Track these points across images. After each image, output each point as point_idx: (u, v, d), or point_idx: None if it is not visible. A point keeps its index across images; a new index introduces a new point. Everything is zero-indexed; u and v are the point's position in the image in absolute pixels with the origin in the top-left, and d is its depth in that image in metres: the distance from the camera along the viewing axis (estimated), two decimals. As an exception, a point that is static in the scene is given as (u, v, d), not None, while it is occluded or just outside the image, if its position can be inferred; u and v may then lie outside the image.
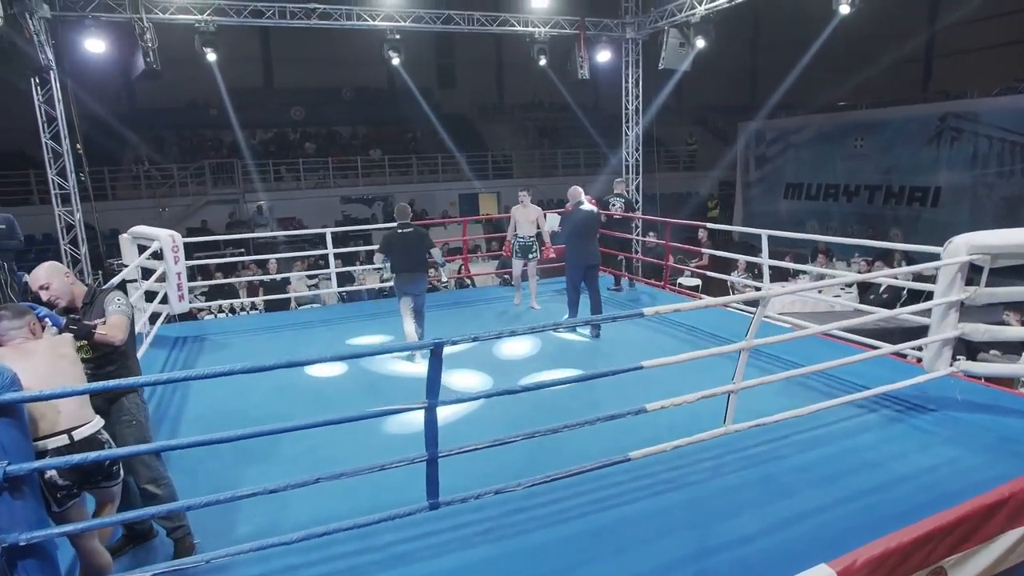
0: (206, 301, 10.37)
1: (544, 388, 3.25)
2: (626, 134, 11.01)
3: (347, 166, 21.02)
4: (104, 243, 16.23)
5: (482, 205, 22.41)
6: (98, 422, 2.80)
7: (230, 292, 10.40)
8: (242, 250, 14.65)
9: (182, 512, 3.28)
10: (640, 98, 10.70)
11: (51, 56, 7.53)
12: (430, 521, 3.11)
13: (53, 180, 8.03)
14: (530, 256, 7.54)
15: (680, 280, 10.44)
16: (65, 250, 8.42)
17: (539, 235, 7.55)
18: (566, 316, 6.98)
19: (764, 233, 6.21)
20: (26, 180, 16.40)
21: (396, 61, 10.22)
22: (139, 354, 6.14)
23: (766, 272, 6.35)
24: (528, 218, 7.54)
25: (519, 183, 22.26)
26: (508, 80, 26.31)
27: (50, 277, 3.15)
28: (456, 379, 5.64)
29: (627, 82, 10.69)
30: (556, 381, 3.45)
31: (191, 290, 7.69)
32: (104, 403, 3.13)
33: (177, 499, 3.31)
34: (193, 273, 10.22)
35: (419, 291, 6.15)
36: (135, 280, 7.23)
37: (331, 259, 8.16)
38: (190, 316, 9.27)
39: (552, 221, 7.80)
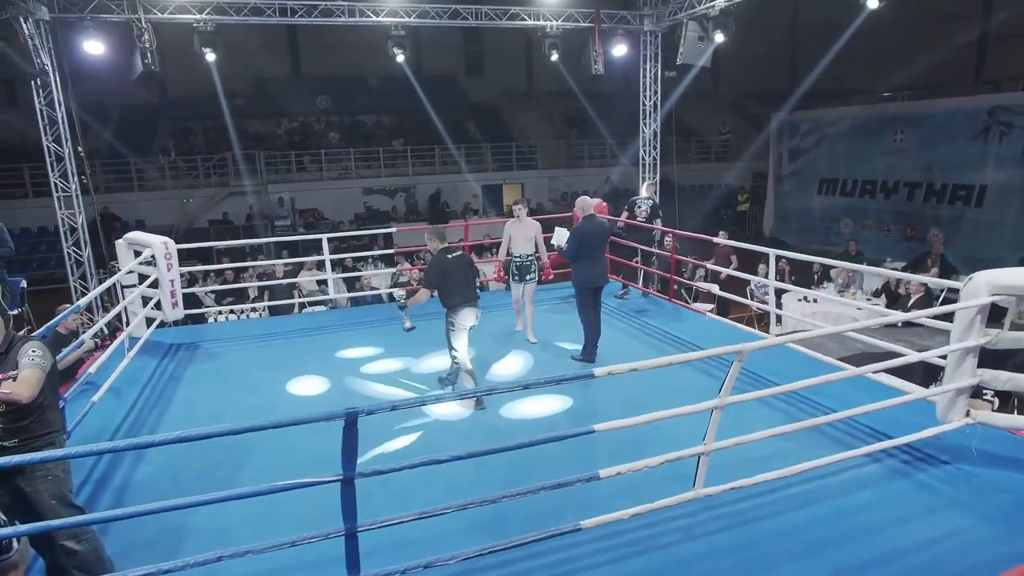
0: (215, 305, 10.34)
1: (479, 455, 2.88)
2: (643, 131, 10.50)
3: (370, 156, 20.88)
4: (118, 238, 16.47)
5: (506, 196, 22.06)
6: None
7: (238, 294, 10.34)
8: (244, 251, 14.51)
9: (106, 569, 3.13)
10: (659, 93, 10.16)
11: (48, 59, 7.47)
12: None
13: (56, 183, 8.02)
14: (528, 278, 6.61)
15: (697, 284, 9.96)
16: (68, 252, 8.44)
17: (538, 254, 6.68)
18: (582, 346, 6.20)
19: (772, 252, 5.75)
20: (19, 173, 16.54)
21: (401, 58, 9.93)
22: (128, 359, 6.21)
23: (772, 295, 5.89)
24: (525, 234, 6.61)
25: (544, 174, 21.89)
26: (537, 67, 25.73)
27: None
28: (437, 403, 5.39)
29: (645, 77, 10.16)
30: (490, 450, 2.93)
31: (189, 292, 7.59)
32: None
33: (101, 554, 3.15)
34: (195, 278, 10.32)
35: (477, 321, 5.32)
36: (132, 285, 7.19)
37: (327, 265, 7.96)
38: (200, 319, 9.25)
39: (560, 236, 6.63)
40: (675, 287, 7.66)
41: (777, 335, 6.27)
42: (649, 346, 6.58)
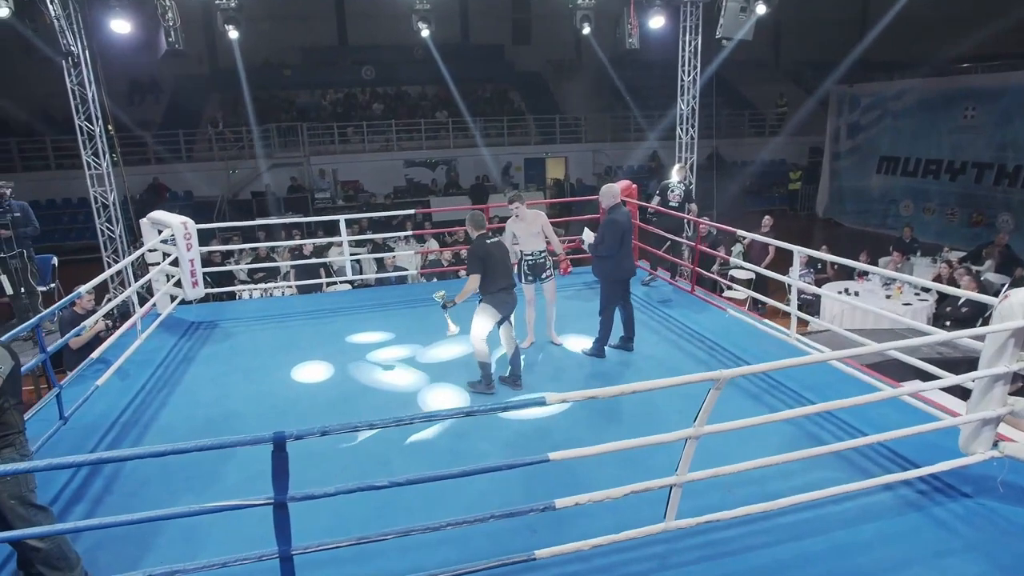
0: (250, 280, 10.50)
1: (418, 482, 2.67)
2: (680, 108, 9.92)
3: (412, 128, 20.75)
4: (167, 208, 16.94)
5: (550, 169, 21.66)
6: None
7: (271, 270, 10.45)
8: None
9: (71, 564, 3.15)
10: (699, 67, 9.54)
11: (75, 39, 7.54)
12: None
13: (88, 162, 8.18)
14: (544, 276, 5.92)
15: (732, 273, 9.49)
16: (101, 228, 8.66)
17: (551, 249, 6.00)
18: (591, 346, 5.91)
19: (797, 250, 5.32)
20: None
21: (426, 33, 9.63)
22: (142, 339, 6.33)
23: (794, 298, 5.47)
24: (531, 229, 5.82)
25: (589, 147, 21.32)
26: (585, 36, 24.89)
27: None
28: (434, 398, 5.28)
29: (684, 51, 9.54)
30: (430, 477, 2.70)
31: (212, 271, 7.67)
32: None
33: (64, 550, 3.16)
34: (230, 253, 10.45)
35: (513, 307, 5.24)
36: (157, 263, 7.32)
37: (344, 245, 7.90)
38: (231, 296, 9.41)
39: (586, 236, 6.05)
40: (697, 278, 7.24)
41: (798, 332, 5.85)
42: (668, 342, 6.28)
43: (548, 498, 2.86)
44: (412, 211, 8.48)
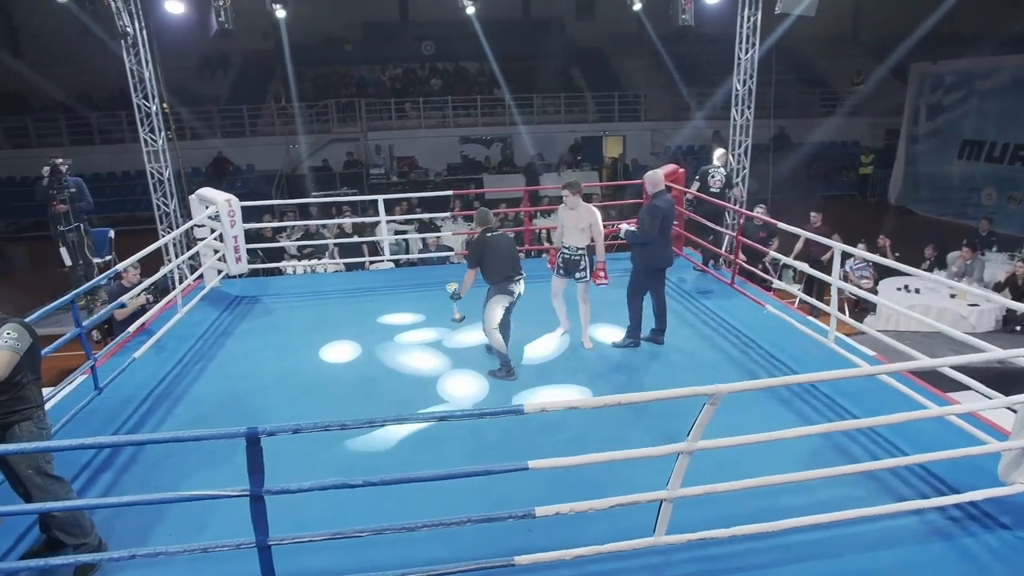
0: (299, 255, 10.77)
1: (392, 483, 2.61)
2: (736, 87, 9.39)
3: (469, 104, 20.65)
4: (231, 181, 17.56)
5: (607, 149, 21.18)
6: None
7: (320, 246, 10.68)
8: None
9: (85, 531, 3.31)
10: (757, 44, 8.97)
11: (131, 20, 7.80)
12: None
13: (145, 139, 8.52)
14: (577, 276, 5.59)
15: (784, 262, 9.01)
16: (157, 203, 9.04)
17: (592, 247, 5.55)
18: (622, 338, 5.84)
19: (838, 247, 4.96)
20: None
21: (471, 10, 9.44)
22: (187, 310, 6.58)
23: (834, 298, 5.11)
24: (577, 224, 5.48)
25: (648, 126, 20.69)
26: (652, 8, 24.00)
27: None
28: (453, 384, 5.27)
29: (742, 27, 8.98)
30: (404, 479, 2.71)
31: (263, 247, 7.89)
32: None
33: (79, 519, 3.32)
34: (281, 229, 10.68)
35: (519, 298, 5.36)
36: (204, 238, 7.58)
37: (383, 226, 7.95)
38: (276, 271, 9.67)
39: (624, 226, 5.82)
40: (740, 269, 6.91)
41: (846, 331, 5.49)
42: (701, 336, 6.04)
43: (549, 497, 2.79)
44: (450, 192, 8.37)
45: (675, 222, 5.98)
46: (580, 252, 5.54)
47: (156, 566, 3.20)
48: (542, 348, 5.86)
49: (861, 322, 8.58)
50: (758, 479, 2.88)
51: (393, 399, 5.03)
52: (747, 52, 8.98)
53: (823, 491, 3.64)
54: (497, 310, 5.23)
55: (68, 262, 6.97)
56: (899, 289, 7.82)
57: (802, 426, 4.37)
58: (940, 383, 4.86)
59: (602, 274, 5.51)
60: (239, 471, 3.13)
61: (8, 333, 3.08)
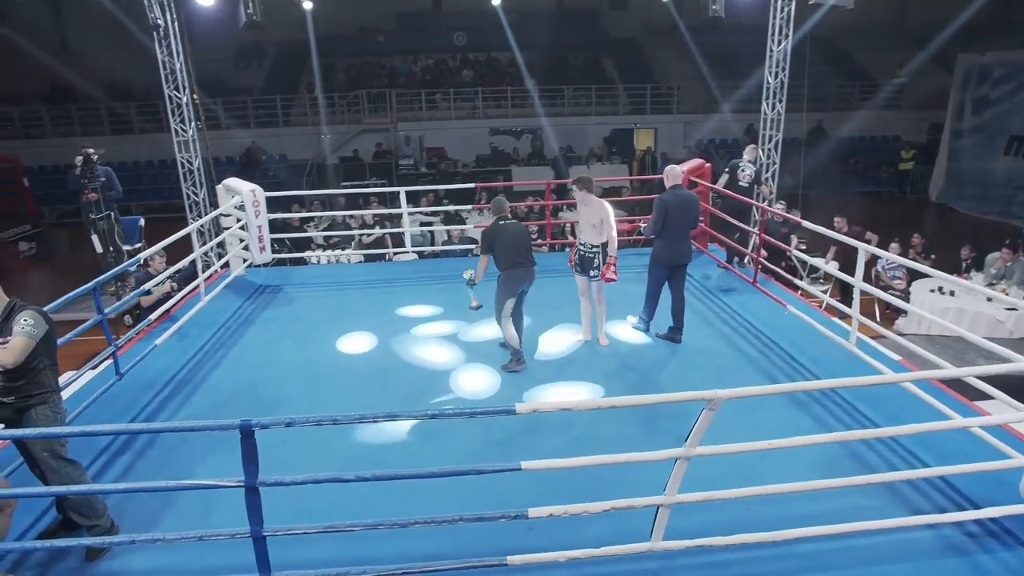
0: (325, 245, 10.90)
1: (385, 479, 2.61)
2: (767, 80, 9.12)
3: (500, 95, 20.58)
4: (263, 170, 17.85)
5: (638, 142, 20.92)
6: None
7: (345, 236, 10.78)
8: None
9: (98, 513, 3.39)
10: (790, 37, 8.68)
11: (162, 13, 7.94)
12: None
13: (176, 129, 8.71)
14: (591, 274, 5.48)
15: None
16: (187, 192, 9.23)
17: (606, 244, 5.40)
18: (638, 317, 5.97)
19: (862, 247, 4.79)
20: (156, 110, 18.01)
21: (497, 1, 9.34)
22: (209, 298, 6.71)
23: (856, 300, 4.94)
24: (590, 220, 5.38)
25: (680, 119, 20.36)
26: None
27: None
28: (466, 378, 5.27)
29: (775, 17, 8.69)
30: (396, 475, 2.75)
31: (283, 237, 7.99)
32: (13, 413, 3.24)
33: (91, 501, 3.41)
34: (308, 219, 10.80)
35: (529, 288, 5.39)
36: (230, 227, 7.71)
37: (405, 218, 7.98)
38: (300, 261, 9.80)
39: (644, 230, 5.87)
40: (759, 266, 6.74)
41: (874, 334, 5.31)
42: (720, 335, 5.92)
43: (553, 496, 2.76)
44: (473, 184, 8.37)
45: (697, 218, 5.82)
46: (595, 249, 5.43)
47: (164, 550, 3.28)
48: (558, 343, 5.82)
49: (893, 324, 8.35)
50: (760, 488, 2.81)
51: (405, 391, 5.05)
52: (779, 44, 8.70)
53: (836, 499, 3.54)
54: (504, 296, 5.25)
55: (99, 249, 7.18)
56: (932, 291, 7.54)
57: (819, 431, 4.31)
58: (967, 391, 4.67)
59: (611, 270, 5.36)
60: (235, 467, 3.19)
61: (25, 320, 3.17)
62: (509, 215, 5.44)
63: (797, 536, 2.90)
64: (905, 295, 8.09)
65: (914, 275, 8.56)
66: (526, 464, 2.51)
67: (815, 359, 5.26)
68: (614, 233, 5.35)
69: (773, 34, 8.72)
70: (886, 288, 8.50)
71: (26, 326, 3.16)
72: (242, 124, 19.29)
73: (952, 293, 7.70)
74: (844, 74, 21.05)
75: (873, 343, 5.29)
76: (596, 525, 3.15)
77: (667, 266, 5.67)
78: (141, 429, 2.59)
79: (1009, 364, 3.45)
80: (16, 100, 18.86)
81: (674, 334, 5.78)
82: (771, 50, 8.78)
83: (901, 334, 7.37)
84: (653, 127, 20.52)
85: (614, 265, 5.35)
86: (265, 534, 2.55)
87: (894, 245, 8.52)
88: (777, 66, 8.89)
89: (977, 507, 3.46)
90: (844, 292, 7.66)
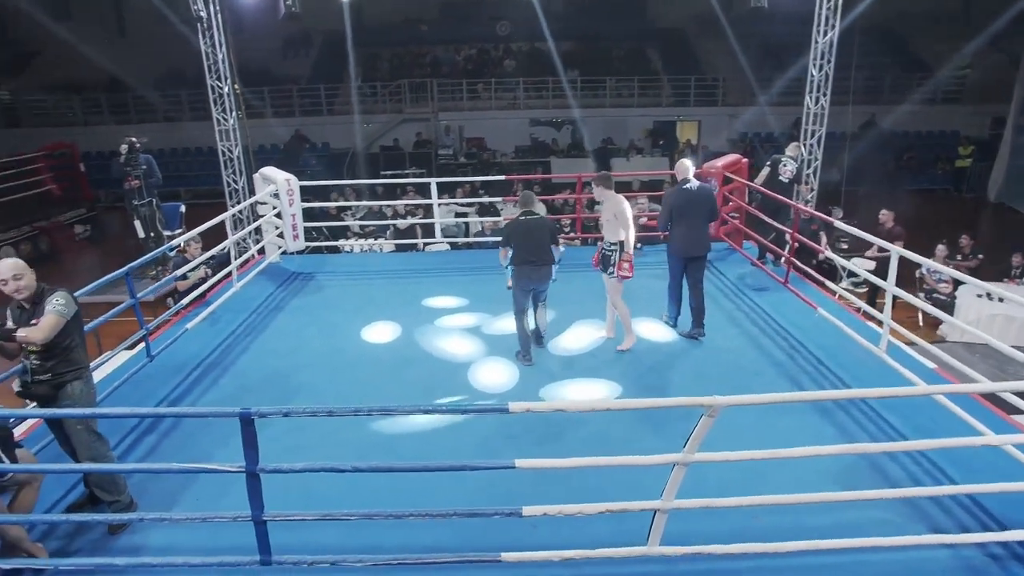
0: (360, 234, 11.06)
1: (381, 471, 2.62)
2: (812, 73, 8.76)
3: (541, 86, 20.44)
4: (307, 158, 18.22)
5: (681, 134, 20.52)
6: None
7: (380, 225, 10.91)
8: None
9: (120, 489, 3.55)
10: (836, 27, 8.29)
11: (205, 5, 8.15)
12: (261, 574, 2.90)
13: (217, 119, 8.95)
14: (609, 271, 5.33)
15: (855, 260, 8.47)
16: (227, 180, 9.49)
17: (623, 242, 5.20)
18: (664, 315, 5.99)
19: (895, 251, 4.59)
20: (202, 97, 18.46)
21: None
22: (242, 284, 6.90)
23: (888, 305, 4.74)
24: (605, 216, 5.29)
25: (725, 111, 19.86)
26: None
27: (23, 271, 3.39)
28: (484, 372, 5.28)
29: (821, 7, 8.31)
30: (390, 467, 2.82)
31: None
32: (51, 388, 3.41)
33: (115, 478, 3.56)
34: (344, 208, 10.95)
35: (545, 287, 5.39)
36: (264, 215, 7.90)
37: (434, 207, 8.04)
38: (334, 249, 9.96)
39: None
40: (791, 266, 6.54)
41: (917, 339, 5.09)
42: (747, 336, 5.78)
43: (559, 494, 2.74)
44: (503, 176, 8.35)
45: (713, 210, 5.81)
46: (612, 247, 5.28)
47: (179, 528, 3.39)
48: (580, 339, 5.80)
49: (936, 329, 8.00)
50: (760, 497, 2.74)
51: (423, 383, 5.09)
52: (825, 35, 8.36)
53: (851, 512, 3.43)
54: (517, 294, 5.29)
55: (141, 234, 7.46)
56: (980, 295, 7.18)
57: (841, 440, 4.18)
58: (1005, 403, 4.46)
59: (626, 266, 5.20)
60: (270, 442, 3.29)
61: (57, 300, 3.33)
62: (535, 210, 5.38)
63: (801, 549, 2.81)
64: (951, 299, 7.74)
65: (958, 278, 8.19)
66: (520, 462, 2.50)
67: (844, 365, 5.08)
68: (630, 230, 5.19)
69: (819, 24, 8.37)
70: (931, 291, 8.15)
71: (57, 305, 3.31)
72: (287, 113, 19.70)
73: (1001, 300, 7.33)
74: (901, 65, 20.16)
75: (908, 350, 5.09)
76: (601, 525, 3.12)
77: (681, 258, 5.73)
78: (147, 413, 2.69)
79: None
80: (77, 89, 19.66)
81: (695, 332, 5.69)
82: (816, 41, 8.45)
83: (943, 341, 7.07)
84: (697, 119, 20.08)
85: (628, 262, 5.18)
86: (265, 518, 2.62)
87: (941, 247, 8.15)
88: (822, 58, 8.55)
89: (1004, 528, 3.31)
90: (874, 294, 7.37)
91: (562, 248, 5.47)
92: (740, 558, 2.83)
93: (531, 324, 5.58)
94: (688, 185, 5.67)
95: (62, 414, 3.33)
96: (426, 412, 2.43)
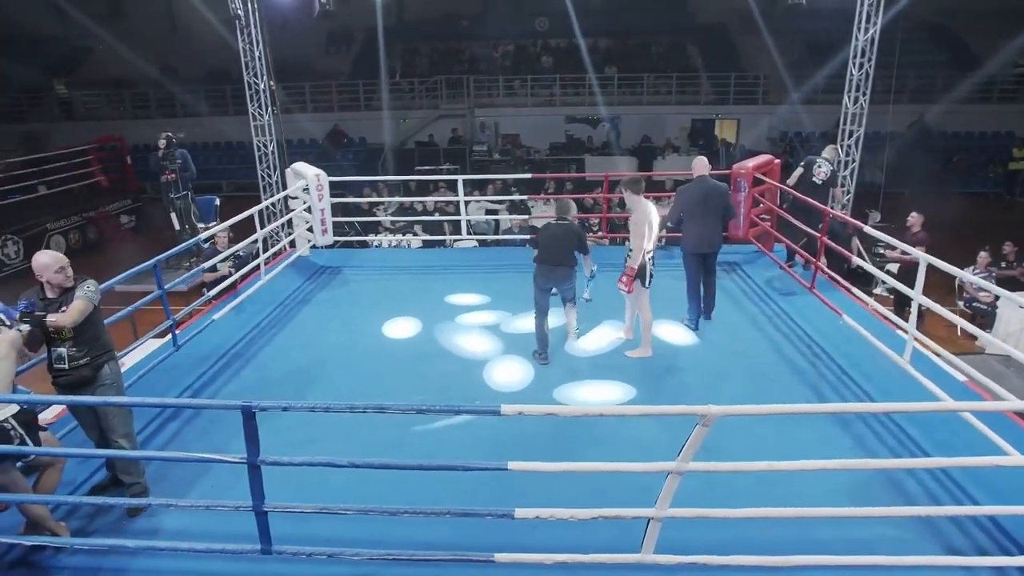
0: (391, 229, 11.18)
1: (374, 467, 2.66)
2: (851, 72, 8.46)
3: (578, 83, 20.32)
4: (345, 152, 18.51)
5: (720, 132, 20.14)
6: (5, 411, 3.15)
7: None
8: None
9: (140, 472, 3.68)
10: (878, 24, 7.98)
11: (243, 3, 8.35)
12: (262, 562, 2.96)
13: (253, 114, 9.18)
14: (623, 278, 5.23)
15: (888, 266, 8.21)
16: (261, 175, 9.73)
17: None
18: (685, 318, 5.96)
19: (923, 257, 4.42)
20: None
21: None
22: (270, 277, 7.05)
23: (914, 315, 4.57)
24: (632, 220, 5.25)
25: (765, 110, 19.40)
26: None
27: (64, 262, 3.55)
28: (500, 370, 5.30)
29: (863, 3, 8.00)
30: (384, 465, 2.83)
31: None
32: (91, 371, 3.57)
33: (137, 462, 3.70)
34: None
35: (566, 288, 5.43)
36: (296, 210, 8.07)
37: (461, 205, 8.06)
38: (364, 244, 10.11)
39: None
40: (818, 271, 6.37)
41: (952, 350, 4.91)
42: (769, 341, 5.65)
43: (560, 497, 2.73)
44: (529, 175, 8.34)
45: (728, 207, 5.88)
46: (631, 252, 5.22)
47: (191, 514, 3.49)
48: (599, 340, 5.77)
49: (976, 340, 7.68)
50: (756, 510, 2.69)
51: (438, 379, 5.14)
52: (866, 32, 8.07)
53: (864, 528, 3.34)
54: (536, 292, 5.38)
55: (176, 227, 7.71)
56: (1022, 306, 6.85)
57: (857, 452, 4.06)
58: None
59: (624, 279, 5.11)
60: (284, 433, 3.38)
61: (88, 287, 3.48)
62: (568, 217, 5.44)
63: (803, 563, 2.75)
64: (992, 308, 7.42)
65: (1004, 286, 7.85)
66: (513, 464, 2.51)
67: (868, 375, 4.93)
68: (640, 240, 5.07)
69: (860, 21, 8.09)
70: (971, 300, 7.84)
71: (88, 291, 3.45)
72: (327, 108, 20.03)
73: (1045, 310, 7.01)
74: (957, 63, 19.36)
75: (937, 361, 4.90)
76: (608, 530, 3.08)
77: (693, 254, 5.79)
78: (155, 403, 2.79)
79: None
80: (128, 83, 20.36)
81: (696, 316, 5.84)
82: (856, 38, 8.17)
83: (980, 352, 6.80)
84: (736, 117, 19.68)
85: (629, 276, 5.08)
86: (266, 509, 2.69)
87: (983, 254, 7.81)
88: (863, 55, 8.27)
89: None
90: (900, 302, 7.12)
91: (594, 266, 5.50)
92: (736, 570, 2.78)
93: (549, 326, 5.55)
94: (703, 181, 5.71)
95: (84, 401, 3.46)
96: (420, 412, 2.45)
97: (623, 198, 5.66)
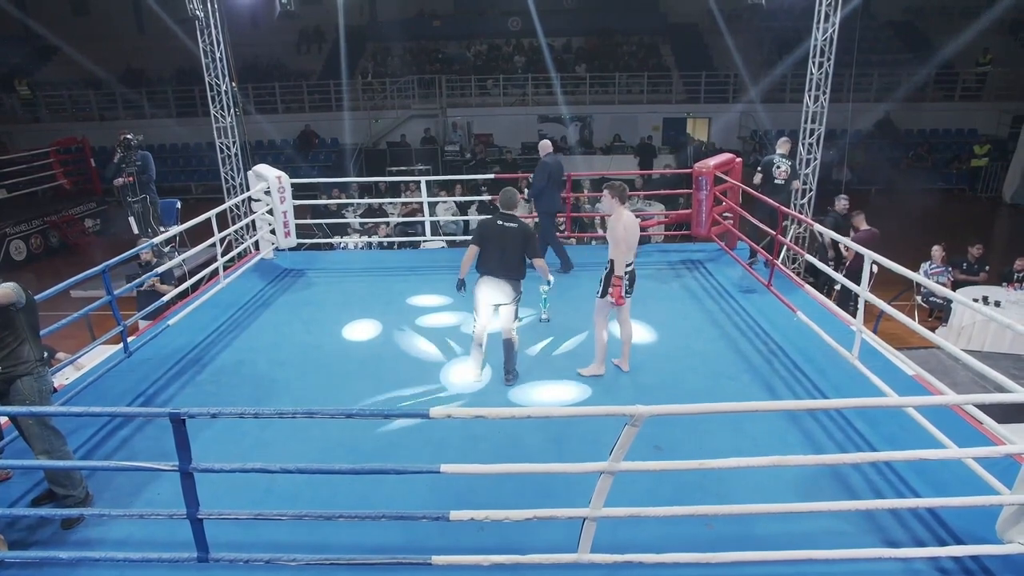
0: (360, 231, 11.10)
1: (309, 472, 2.66)
2: (811, 72, 8.57)
3: (551, 83, 20.34)
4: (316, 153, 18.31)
5: (692, 131, 20.30)
6: None
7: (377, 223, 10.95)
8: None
9: (74, 484, 3.59)
10: (836, 24, 8.08)
11: (201, 3, 8.23)
12: (199, 570, 2.92)
13: (215, 115, 9.06)
14: (600, 292, 4.91)
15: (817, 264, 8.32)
16: (225, 176, 9.60)
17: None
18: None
19: (869, 255, 4.49)
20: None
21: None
22: (231, 280, 6.96)
23: (861, 311, 4.64)
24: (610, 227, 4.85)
25: (736, 108, 19.59)
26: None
27: None
28: (457, 371, 5.29)
29: (821, 3, 8.10)
30: (320, 470, 2.81)
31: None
32: (2, 384, 3.45)
33: (69, 473, 3.60)
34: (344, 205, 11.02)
35: (508, 300, 4.81)
36: (258, 212, 7.97)
37: (426, 208, 8.03)
38: (329, 246, 10.00)
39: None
40: (774, 267, 6.46)
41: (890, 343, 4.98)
42: (727, 338, 5.71)
43: (514, 499, 2.73)
44: (492, 175, 8.33)
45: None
46: (606, 267, 4.80)
47: (139, 523, 3.42)
48: (564, 344, 5.76)
49: (934, 331, 7.83)
50: (688, 508, 2.71)
51: (395, 381, 5.09)
52: (825, 32, 8.18)
53: (806, 522, 3.38)
54: (479, 311, 4.95)
55: (135, 230, 7.58)
56: (976, 299, 7.00)
57: (805, 447, 4.12)
58: (994, 414, 4.31)
59: (610, 293, 4.66)
60: (243, 437, 3.31)
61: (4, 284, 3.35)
62: (515, 212, 4.85)
63: (742, 559, 2.77)
64: (947, 302, 7.57)
65: (959, 283, 8.02)
66: (445, 467, 2.50)
67: (822, 370, 5.01)
68: (617, 249, 4.62)
69: (818, 20, 8.19)
70: (928, 294, 7.99)
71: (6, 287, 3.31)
72: (298, 108, 19.84)
73: (998, 303, 7.16)
74: (921, 62, 19.72)
75: (887, 355, 4.97)
76: (557, 530, 3.08)
77: (546, 214, 7.39)
78: (82, 412, 2.72)
79: (1004, 395, 3.20)
80: (95, 84, 19.97)
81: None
82: (816, 37, 8.27)
83: (933, 347, 6.91)
84: (707, 116, 19.86)
85: (618, 287, 4.62)
86: (200, 516, 2.65)
87: (936, 248, 7.96)
88: (822, 55, 8.37)
89: (961, 543, 3.24)
90: (843, 298, 7.25)
91: (551, 278, 5.01)
92: (672, 568, 2.80)
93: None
94: (554, 157, 7.48)
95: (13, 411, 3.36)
96: (348, 416, 2.43)
97: (591, 197, 5.67)
